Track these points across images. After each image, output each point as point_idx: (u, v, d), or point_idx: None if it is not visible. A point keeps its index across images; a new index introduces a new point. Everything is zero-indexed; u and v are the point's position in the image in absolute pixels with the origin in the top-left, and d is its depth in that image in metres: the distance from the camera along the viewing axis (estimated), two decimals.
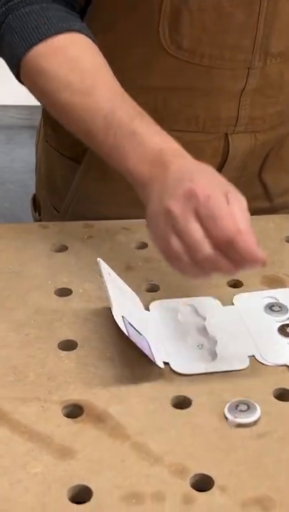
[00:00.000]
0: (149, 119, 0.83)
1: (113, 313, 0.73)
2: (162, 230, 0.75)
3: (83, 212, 1.05)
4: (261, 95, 0.98)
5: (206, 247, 0.71)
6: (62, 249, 0.96)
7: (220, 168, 1.02)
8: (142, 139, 0.80)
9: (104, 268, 0.81)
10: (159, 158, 0.79)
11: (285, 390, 0.75)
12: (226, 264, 0.72)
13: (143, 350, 0.74)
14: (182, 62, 0.93)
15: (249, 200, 1.06)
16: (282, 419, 0.72)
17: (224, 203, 0.72)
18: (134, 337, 0.74)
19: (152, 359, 0.75)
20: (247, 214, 0.74)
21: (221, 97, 0.96)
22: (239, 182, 1.05)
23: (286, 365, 0.78)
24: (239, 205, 0.73)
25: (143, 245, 0.97)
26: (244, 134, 1.00)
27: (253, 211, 1.05)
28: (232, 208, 0.72)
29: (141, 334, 0.77)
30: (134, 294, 0.85)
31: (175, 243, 0.73)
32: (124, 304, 0.80)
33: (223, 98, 0.97)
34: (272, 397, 0.74)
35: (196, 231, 0.72)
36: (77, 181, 1.05)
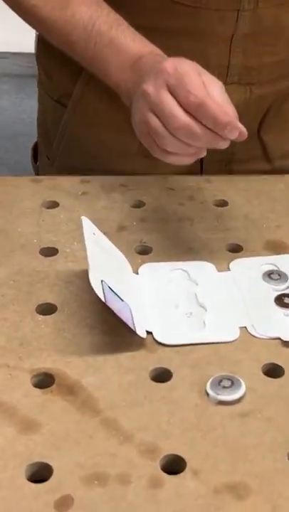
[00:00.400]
0: (127, 25, 0.84)
1: (90, 276, 0.68)
2: (141, 115, 0.75)
3: (70, 161, 1.01)
4: (255, 43, 0.90)
5: (180, 113, 0.72)
6: (54, 205, 0.90)
7: None
8: (121, 46, 0.82)
9: (88, 227, 0.75)
10: (138, 64, 0.80)
11: (275, 365, 0.69)
12: (204, 131, 0.71)
13: (121, 317, 0.68)
14: (164, 0, 0.86)
15: (247, 161, 1.01)
16: (269, 397, 0.66)
17: (193, 73, 0.73)
18: (112, 303, 0.68)
19: (132, 328, 0.69)
20: (224, 94, 0.74)
21: (209, 41, 0.89)
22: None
23: (279, 339, 0.72)
24: (212, 81, 0.74)
25: (140, 204, 0.91)
26: (238, 86, 0.93)
27: (252, 173, 0.99)
28: (202, 79, 0.73)
29: (123, 300, 0.71)
30: (122, 256, 0.80)
31: (152, 119, 0.74)
32: (107, 266, 0.74)
33: (212, 43, 0.89)
34: (261, 373, 0.68)
35: (168, 100, 0.72)
36: (63, 125, 1.01)
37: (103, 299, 0.67)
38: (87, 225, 0.75)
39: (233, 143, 0.98)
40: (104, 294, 0.68)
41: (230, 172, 0.99)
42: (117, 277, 0.74)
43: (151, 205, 0.91)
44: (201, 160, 0.98)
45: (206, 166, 0.99)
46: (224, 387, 0.66)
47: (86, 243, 0.72)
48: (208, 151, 0.99)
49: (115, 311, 0.68)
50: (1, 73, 2.24)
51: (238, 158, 0.99)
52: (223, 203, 0.92)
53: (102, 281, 0.69)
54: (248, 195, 0.94)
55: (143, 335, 0.70)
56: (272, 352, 0.71)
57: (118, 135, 0.95)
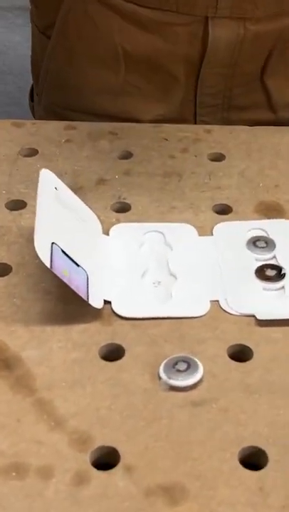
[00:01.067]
0: None
1: (35, 238, 0.60)
2: None
3: (53, 98, 0.95)
4: None
5: None
6: (32, 153, 0.83)
7: (200, 60, 0.86)
8: None
9: (48, 181, 0.67)
10: None
11: (243, 346, 0.61)
12: None
13: (71, 286, 0.61)
14: None
15: (248, 109, 0.91)
16: (230, 384, 0.58)
17: None
18: (59, 270, 0.61)
19: (84, 297, 0.62)
20: None
21: None
22: (232, 82, 0.88)
23: (254, 316, 0.64)
24: None
25: (127, 155, 0.83)
26: (229, 20, 0.82)
27: (254, 123, 0.89)
28: None
29: (78, 265, 0.64)
30: (92, 214, 0.72)
31: None
32: (66, 227, 0.66)
33: None
34: (226, 355, 0.61)
35: None
36: (47, 58, 0.93)
37: (49, 265, 0.60)
38: (47, 178, 0.67)
39: (229, 85, 0.89)
40: (51, 258, 0.60)
41: (229, 120, 0.90)
42: (78, 239, 0.67)
43: (138, 156, 0.83)
44: (194, 104, 0.89)
45: (199, 110, 0.90)
46: (178, 370, 0.58)
47: (38, 200, 0.64)
48: (202, 93, 0.90)
49: (64, 279, 0.61)
50: (13, 6, 2.15)
51: (236, 104, 0.89)
52: (219, 157, 0.83)
53: (52, 243, 0.62)
54: (248, 148, 0.85)
55: (98, 305, 0.63)
56: (242, 331, 0.63)
57: (101, 69, 0.88)
